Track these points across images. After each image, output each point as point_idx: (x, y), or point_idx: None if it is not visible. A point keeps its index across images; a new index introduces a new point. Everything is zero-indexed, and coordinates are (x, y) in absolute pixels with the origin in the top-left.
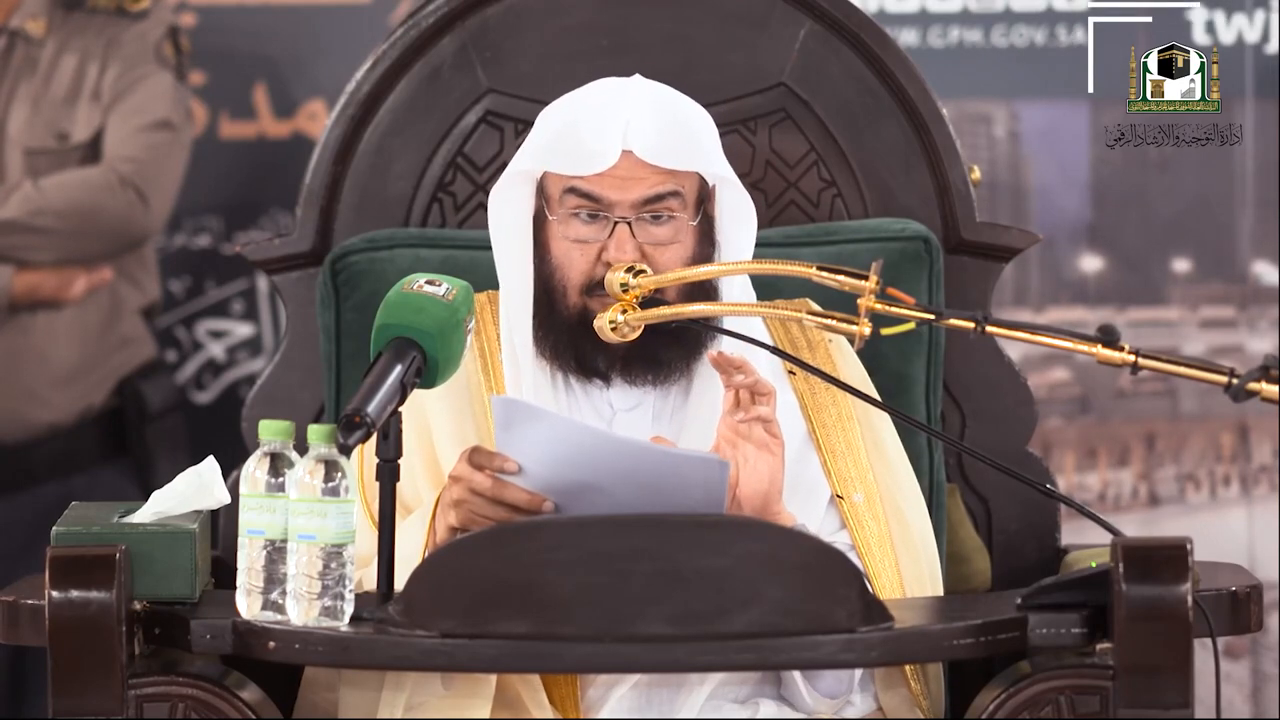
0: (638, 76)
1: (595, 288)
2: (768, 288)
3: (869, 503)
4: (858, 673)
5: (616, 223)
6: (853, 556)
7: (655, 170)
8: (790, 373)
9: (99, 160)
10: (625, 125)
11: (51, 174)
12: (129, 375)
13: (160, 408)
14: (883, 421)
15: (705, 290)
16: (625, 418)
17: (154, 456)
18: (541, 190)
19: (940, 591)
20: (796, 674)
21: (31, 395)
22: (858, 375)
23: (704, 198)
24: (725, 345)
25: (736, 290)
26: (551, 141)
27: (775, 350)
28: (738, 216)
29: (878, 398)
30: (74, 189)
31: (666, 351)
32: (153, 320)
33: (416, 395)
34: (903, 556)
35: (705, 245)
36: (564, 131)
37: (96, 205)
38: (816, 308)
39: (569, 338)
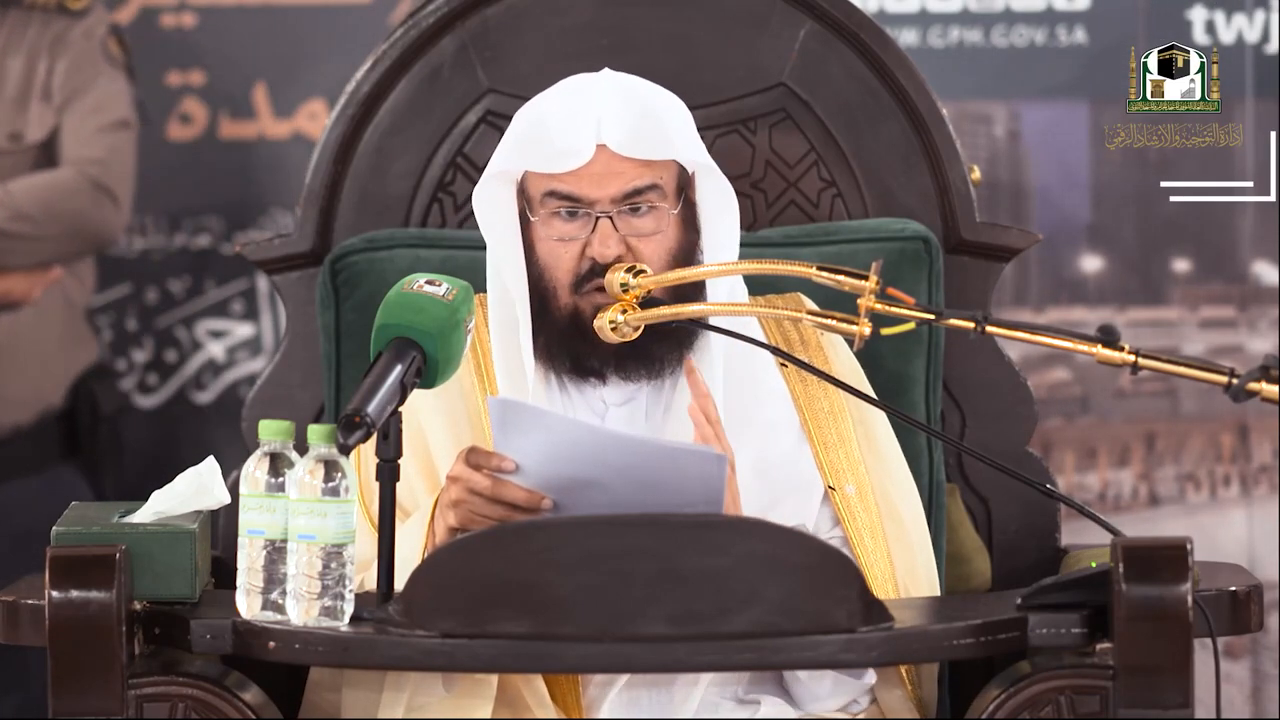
0: (606, 70)
1: (583, 283)
2: (763, 283)
3: (860, 494)
4: (865, 685)
5: (598, 218)
6: (846, 551)
7: (632, 163)
8: (782, 365)
9: (54, 160)
10: (597, 120)
11: (9, 176)
12: (83, 375)
13: (111, 408)
14: (875, 413)
15: (695, 286)
16: (617, 412)
17: (106, 458)
18: (523, 192)
19: (935, 583)
20: (802, 677)
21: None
22: (851, 370)
23: (684, 185)
24: (710, 349)
25: (726, 288)
26: (524, 139)
27: (771, 348)
28: (719, 203)
29: (871, 392)
30: (48, 192)
31: (659, 346)
32: (91, 320)
33: (410, 401)
34: (895, 547)
35: (689, 233)
36: (535, 129)
37: (74, 208)
38: (810, 304)
39: (562, 339)
